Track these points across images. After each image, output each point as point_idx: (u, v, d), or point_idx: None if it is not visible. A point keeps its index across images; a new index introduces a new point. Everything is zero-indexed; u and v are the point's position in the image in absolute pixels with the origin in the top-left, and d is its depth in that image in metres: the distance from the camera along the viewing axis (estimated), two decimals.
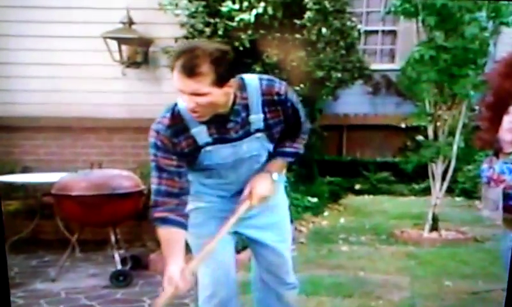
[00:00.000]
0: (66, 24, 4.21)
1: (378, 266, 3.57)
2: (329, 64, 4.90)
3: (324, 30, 4.57)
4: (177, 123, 1.57)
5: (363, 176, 6.94)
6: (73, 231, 3.41)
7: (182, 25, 4.12)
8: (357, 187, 6.82)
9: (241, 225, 1.73)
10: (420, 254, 3.87)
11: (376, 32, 7.56)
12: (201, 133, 1.58)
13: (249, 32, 4.15)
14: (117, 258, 3.24)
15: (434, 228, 4.33)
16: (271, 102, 1.61)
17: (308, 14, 4.35)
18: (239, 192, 1.70)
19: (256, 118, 1.61)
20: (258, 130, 1.63)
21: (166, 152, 1.58)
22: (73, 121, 4.30)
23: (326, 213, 5.43)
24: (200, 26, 4.06)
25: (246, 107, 1.60)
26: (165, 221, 1.57)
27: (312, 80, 4.79)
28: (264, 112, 1.61)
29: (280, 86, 1.64)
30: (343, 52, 5.12)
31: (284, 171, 1.84)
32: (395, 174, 6.78)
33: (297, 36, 4.45)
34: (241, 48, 4.09)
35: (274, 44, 4.35)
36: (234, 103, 1.57)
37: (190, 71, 1.44)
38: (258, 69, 4.19)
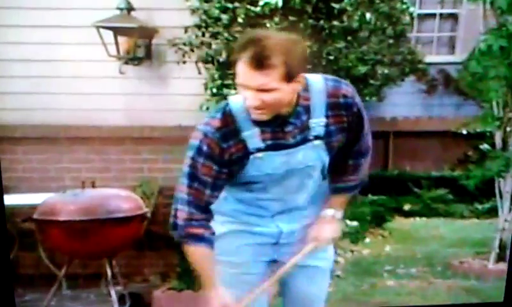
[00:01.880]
0: (48, 11, 4.21)
1: (432, 304, 3.60)
2: (374, 57, 4.90)
3: (368, 15, 4.53)
4: (229, 124, 1.66)
5: (413, 194, 6.82)
6: (59, 264, 3.48)
7: (194, 11, 4.10)
8: (406, 207, 6.71)
9: (277, 253, 1.85)
10: (483, 289, 3.87)
11: (433, 16, 7.21)
12: (253, 137, 1.67)
13: (276, 19, 4.13)
14: (113, 295, 3.32)
15: (502, 257, 4.27)
16: (336, 105, 1.71)
17: None
18: (281, 212, 1.80)
19: (318, 123, 1.70)
20: (317, 137, 1.72)
21: (209, 159, 1.66)
22: (60, 130, 4.30)
23: (367, 240, 5.47)
24: (216, 12, 4.03)
25: (308, 109, 1.68)
26: (201, 240, 1.68)
27: (352, 77, 4.70)
28: (327, 117, 1.70)
29: (347, 88, 1.74)
30: (391, 41, 5.11)
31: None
32: (454, 192, 6.68)
33: (335, 23, 4.43)
34: None
35: (306, 34, 4.29)
36: (297, 103, 1.66)
37: (260, 63, 1.52)
38: None
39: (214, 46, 4.11)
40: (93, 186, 3.46)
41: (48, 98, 4.28)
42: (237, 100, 1.66)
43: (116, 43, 4.14)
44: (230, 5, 4.08)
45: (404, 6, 5.23)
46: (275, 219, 1.81)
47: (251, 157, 1.68)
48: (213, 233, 1.71)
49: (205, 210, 1.70)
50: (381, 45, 4.97)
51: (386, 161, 7.41)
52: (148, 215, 3.55)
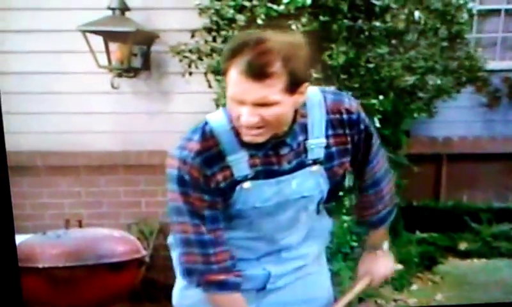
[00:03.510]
0: (22, 12, 4.20)
1: None
2: (424, 64, 4.82)
3: (417, 14, 4.48)
4: (211, 147, 1.65)
5: (471, 230, 6.68)
6: None
7: (203, 10, 4.06)
8: (462, 246, 6.58)
9: (261, 302, 1.86)
10: None
11: (497, 12, 7.15)
12: (240, 163, 1.66)
13: (304, 20, 4.07)
14: None
15: None
16: (339, 122, 1.71)
17: None
18: (269, 253, 1.82)
19: (317, 144, 1.70)
20: (315, 162, 1.72)
21: (196, 189, 1.66)
22: (37, 157, 4.32)
23: (414, 287, 5.42)
24: (230, 12, 3.96)
25: (305, 128, 1.69)
26: (225, 286, 1.73)
27: (397, 89, 4.73)
28: (327, 136, 1.71)
29: (351, 102, 1.75)
30: (444, 44, 5.03)
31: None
32: None
33: (377, 23, 4.37)
34: None
35: (340, 37, 4.27)
36: (294, 120, 1.66)
37: (259, 71, 1.49)
38: (315, 75, 4.11)
39: None
40: (80, 225, 3.58)
41: (21, 119, 4.26)
42: (218, 118, 1.67)
43: (107, 51, 4.15)
44: (247, 3, 4.04)
45: (462, 1, 5.17)
46: (261, 261, 1.83)
47: (237, 187, 1.68)
48: (238, 275, 1.76)
49: (220, 248, 1.72)
50: (433, 50, 4.90)
51: (438, 190, 7.37)
52: (147, 259, 3.59)
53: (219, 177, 1.67)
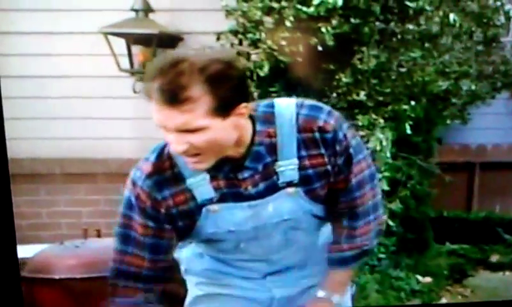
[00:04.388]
0: (42, 13, 4.23)
1: None
2: (458, 69, 4.79)
3: (452, 16, 4.45)
4: (164, 170, 1.62)
5: (503, 241, 6.64)
6: None
7: (229, 12, 4.07)
8: (494, 259, 6.47)
9: None
10: None
11: None
12: (202, 185, 1.63)
13: (334, 22, 4.05)
14: None
15: None
16: (311, 142, 1.63)
17: None
18: (273, 273, 1.79)
19: (287, 166, 1.64)
20: (290, 184, 1.66)
21: (141, 214, 1.63)
22: (54, 164, 4.33)
23: (443, 300, 5.39)
24: (257, 14, 3.97)
25: (273, 149, 1.63)
26: None
27: (429, 95, 4.71)
28: (300, 158, 1.64)
29: (328, 118, 1.65)
30: (480, 48, 5.01)
31: (348, 283, 1.88)
32: None
33: (410, 26, 4.37)
34: (320, 48, 3.98)
35: (372, 40, 4.27)
36: (252, 141, 1.61)
37: (173, 96, 1.44)
38: (345, 80, 4.16)
39: (253, 57, 4.09)
40: (98, 235, 3.48)
41: (39, 124, 4.30)
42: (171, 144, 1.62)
43: (130, 54, 4.17)
44: (275, 5, 4.02)
45: (499, 3, 5.13)
46: (267, 280, 1.80)
47: (204, 209, 1.65)
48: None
49: (146, 280, 1.68)
50: (467, 54, 4.87)
51: (469, 200, 7.33)
52: None
53: (172, 202, 1.63)
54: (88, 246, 3.31)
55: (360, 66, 4.22)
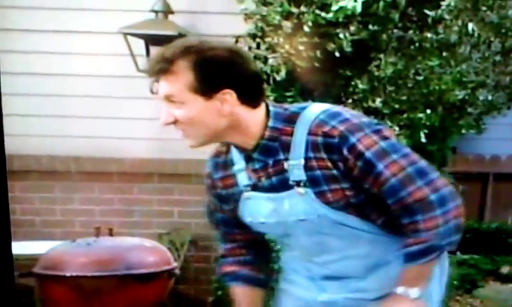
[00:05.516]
0: (61, 12, 4.24)
1: None
2: (475, 78, 4.72)
3: (470, 26, 4.39)
4: (222, 153, 1.78)
5: None
6: None
7: (248, 16, 4.10)
8: (504, 270, 6.54)
9: None
10: None
11: None
12: (240, 172, 1.74)
13: (353, 28, 4.05)
14: None
15: None
16: (315, 145, 1.65)
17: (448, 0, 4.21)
18: (327, 278, 1.78)
19: (295, 165, 1.67)
20: (299, 184, 1.67)
21: (209, 191, 1.82)
22: (70, 162, 4.36)
23: None
24: (276, 18, 3.97)
25: (287, 147, 1.67)
26: (235, 278, 1.86)
27: (446, 104, 4.66)
28: (306, 158, 1.65)
29: (338, 125, 1.64)
30: (497, 59, 4.89)
31: (429, 273, 1.76)
32: None
33: (428, 34, 4.32)
34: (338, 54, 3.99)
35: (390, 47, 4.25)
36: (262, 136, 1.67)
37: (162, 67, 1.59)
38: (361, 86, 4.14)
39: (270, 60, 4.09)
40: (110, 234, 3.49)
41: (56, 122, 4.33)
42: None
43: (148, 54, 4.16)
44: (294, 9, 4.03)
45: None
46: (320, 283, 1.82)
47: (242, 196, 1.75)
48: (254, 270, 1.87)
49: (232, 245, 1.88)
50: (485, 64, 4.78)
51: (482, 210, 7.37)
52: (177, 271, 3.55)
53: (223, 183, 1.77)
54: (100, 244, 3.35)
55: (376, 73, 4.22)
